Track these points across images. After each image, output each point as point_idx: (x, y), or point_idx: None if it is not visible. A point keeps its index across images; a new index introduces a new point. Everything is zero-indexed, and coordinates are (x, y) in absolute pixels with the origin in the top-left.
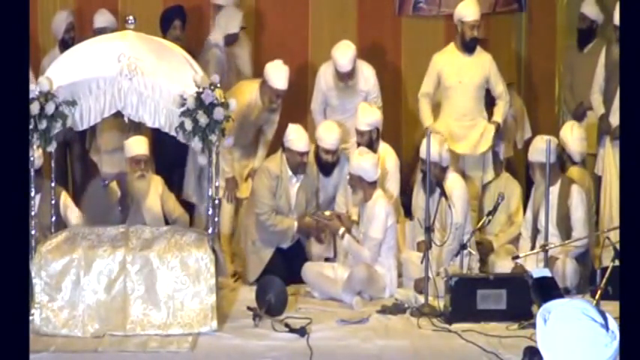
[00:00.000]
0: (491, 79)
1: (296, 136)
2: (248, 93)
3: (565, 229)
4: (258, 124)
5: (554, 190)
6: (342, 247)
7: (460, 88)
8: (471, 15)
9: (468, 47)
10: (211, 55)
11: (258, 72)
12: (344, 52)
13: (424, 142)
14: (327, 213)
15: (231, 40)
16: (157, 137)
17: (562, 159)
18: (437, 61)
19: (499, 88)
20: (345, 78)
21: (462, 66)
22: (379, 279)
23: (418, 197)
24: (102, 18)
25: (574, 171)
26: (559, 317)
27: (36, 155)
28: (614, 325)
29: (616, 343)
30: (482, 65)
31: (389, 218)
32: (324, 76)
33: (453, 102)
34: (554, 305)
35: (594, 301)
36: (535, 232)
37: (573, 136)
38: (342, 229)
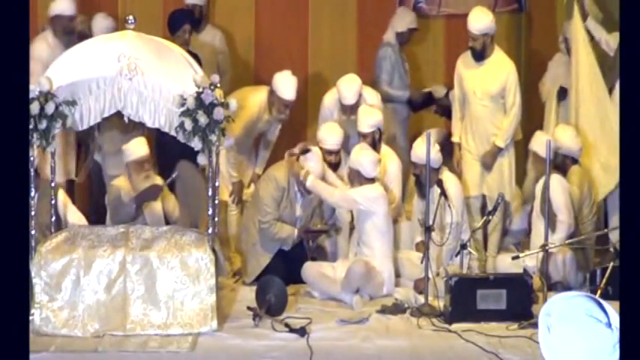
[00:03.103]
0: (505, 88)
1: (314, 164)
2: (257, 102)
3: (550, 216)
4: (262, 130)
5: (541, 182)
6: (309, 186)
7: (475, 99)
8: (472, 28)
9: (473, 55)
10: (384, 53)
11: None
12: (349, 86)
13: (414, 146)
14: (319, 226)
15: (403, 38)
16: (158, 137)
17: (557, 160)
18: (458, 65)
19: (509, 100)
20: (348, 111)
21: (476, 75)
22: (377, 275)
23: (413, 200)
24: (100, 25)
25: (575, 170)
26: (562, 322)
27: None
28: (617, 321)
29: None
30: (498, 74)
31: (377, 202)
32: (329, 107)
33: (471, 113)
34: (554, 307)
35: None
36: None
37: (567, 136)
38: (303, 171)
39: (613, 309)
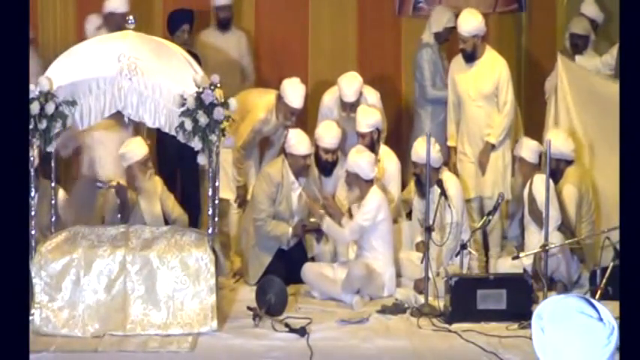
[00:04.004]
0: (498, 86)
1: (297, 140)
2: (265, 105)
3: (537, 215)
4: (268, 134)
5: (528, 187)
6: (324, 230)
7: (470, 101)
8: (461, 30)
9: (464, 57)
10: (423, 55)
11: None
12: (350, 83)
13: (415, 145)
14: (312, 220)
15: (441, 38)
16: (159, 137)
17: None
18: (451, 68)
19: (502, 97)
20: (348, 109)
21: (469, 76)
22: (378, 277)
23: (414, 200)
24: (94, 25)
25: (571, 171)
26: (555, 323)
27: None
28: (608, 316)
29: (616, 333)
30: (490, 73)
31: (380, 211)
32: (329, 105)
33: (466, 115)
34: (546, 310)
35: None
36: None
37: (559, 140)
38: (322, 211)
39: (603, 306)
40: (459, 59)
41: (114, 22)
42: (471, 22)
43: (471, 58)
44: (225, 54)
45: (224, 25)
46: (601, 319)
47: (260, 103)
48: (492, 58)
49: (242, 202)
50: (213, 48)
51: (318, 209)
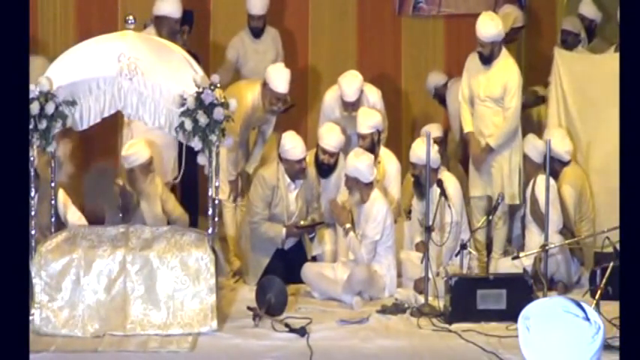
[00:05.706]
0: (506, 90)
1: (292, 145)
2: (250, 95)
3: (539, 215)
4: (257, 124)
5: (530, 186)
6: (345, 243)
7: (479, 101)
8: (480, 35)
9: (481, 59)
10: None
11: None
12: (350, 82)
13: (413, 146)
14: (303, 222)
15: (508, 38)
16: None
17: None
18: (468, 64)
19: (506, 102)
20: (349, 107)
21: (483, 77)
22: (379, 280)
23: (413, 201)
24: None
25: (568, 171)
26: (541, 322)
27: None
28: (594, 315)
29: (601, 333)
30: (501, 78)
31: (387, 219)
32: (330, 104)
33: (477, 116)
34: (532, 310)
35: (594, 302)
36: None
37: (556, 139)
38: (348, 225)
39: (590, 306)
40: (475, 58)
41: (167, 27)
42: (490, 29)
43: (487, 61)
44: (262, 57)
45: (256, 33)
46: (587, 319)
47: (247, 93)
48: (505, 64)
49: (235, 196)
50: (250, 52)
51: (344, 220)
